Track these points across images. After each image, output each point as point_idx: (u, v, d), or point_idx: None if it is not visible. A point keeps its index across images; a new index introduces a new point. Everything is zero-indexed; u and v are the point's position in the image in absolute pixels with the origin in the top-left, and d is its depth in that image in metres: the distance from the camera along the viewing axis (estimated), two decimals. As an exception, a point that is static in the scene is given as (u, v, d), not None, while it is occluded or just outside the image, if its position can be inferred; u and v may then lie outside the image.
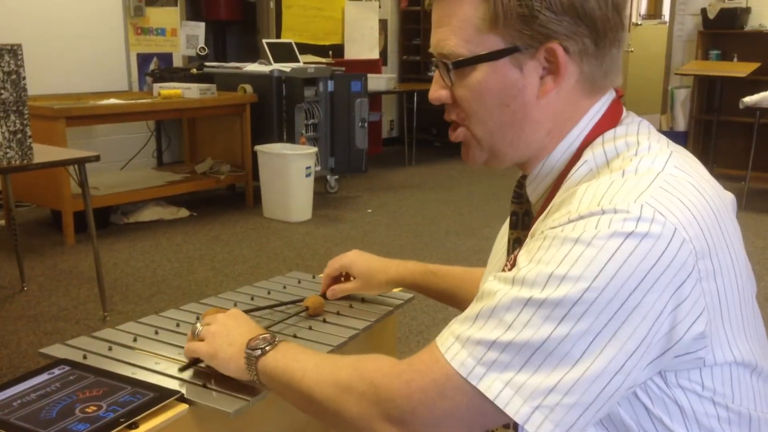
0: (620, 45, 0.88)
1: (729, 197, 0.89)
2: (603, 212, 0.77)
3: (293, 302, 1.38)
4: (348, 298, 1.43)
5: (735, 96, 5.78)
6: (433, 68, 0.94)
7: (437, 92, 0.93)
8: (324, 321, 1.32)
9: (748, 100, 5.40)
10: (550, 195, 0.89)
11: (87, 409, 0.98)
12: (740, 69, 6.33)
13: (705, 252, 0.77)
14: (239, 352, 1.02)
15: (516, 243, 0.99)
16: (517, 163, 0.95)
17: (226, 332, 1.06)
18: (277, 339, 1.01)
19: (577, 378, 0.75)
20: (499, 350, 0.77)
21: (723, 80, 6.61)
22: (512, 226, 1.00)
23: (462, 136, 0.94)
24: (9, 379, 1.08)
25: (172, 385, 1.06)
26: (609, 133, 0.88)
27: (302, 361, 0.95)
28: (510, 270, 0.83)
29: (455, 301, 1.33)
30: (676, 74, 6.95)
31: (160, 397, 1.01)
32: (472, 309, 0.82)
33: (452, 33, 0.88)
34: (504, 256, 1.04)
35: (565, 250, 0.76)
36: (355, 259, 1.38)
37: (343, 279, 1.43)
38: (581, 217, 0.78)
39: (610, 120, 0.90)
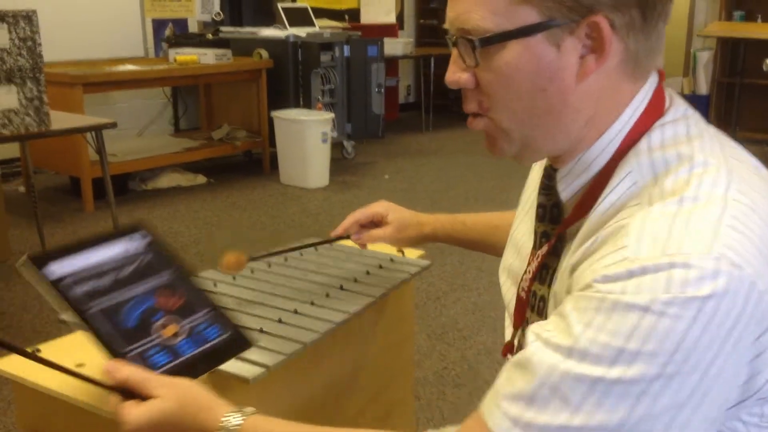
0: (667, 18, 0.77)
1: None
2: (672, 266, 0.66)
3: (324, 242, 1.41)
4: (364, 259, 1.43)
5: (759, 58, 5.66)
6: (451, 47, 0.82)
7: (455, 75, 0.81)
8: (341, 288, 1.32)
9: (773, 62, 5.29)
10: (586, 195, 0.80)
11: (165, 331, 0.95)
12: (765, 30, 6.19)
13: None
14: None
15: (543, 237, 0.89)
16: (550, 156, 0.85)
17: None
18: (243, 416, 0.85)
19: None
20: None
21: (747, 42, 6.47)
22: (539, 219, 0.90)
23: (484, 127, 0.82)
24: (81, 239, 0.97)
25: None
26: (656, 137, 0.77)
27: None
28: (537, 310, 0.79)
29: (486, 248, 1.32)
30: (699, 36, 6.82)
31: (239, 343, 1.02)
32: (521, 383, 0.71)
33: (477, 4, 0.76)
34: (530, 234, 0.95)
35: (634, 320, 0.66)
36: (388, 207, 1.34)
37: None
38: (645, 271, 0.66)
39: (654, 111, 0.79)
